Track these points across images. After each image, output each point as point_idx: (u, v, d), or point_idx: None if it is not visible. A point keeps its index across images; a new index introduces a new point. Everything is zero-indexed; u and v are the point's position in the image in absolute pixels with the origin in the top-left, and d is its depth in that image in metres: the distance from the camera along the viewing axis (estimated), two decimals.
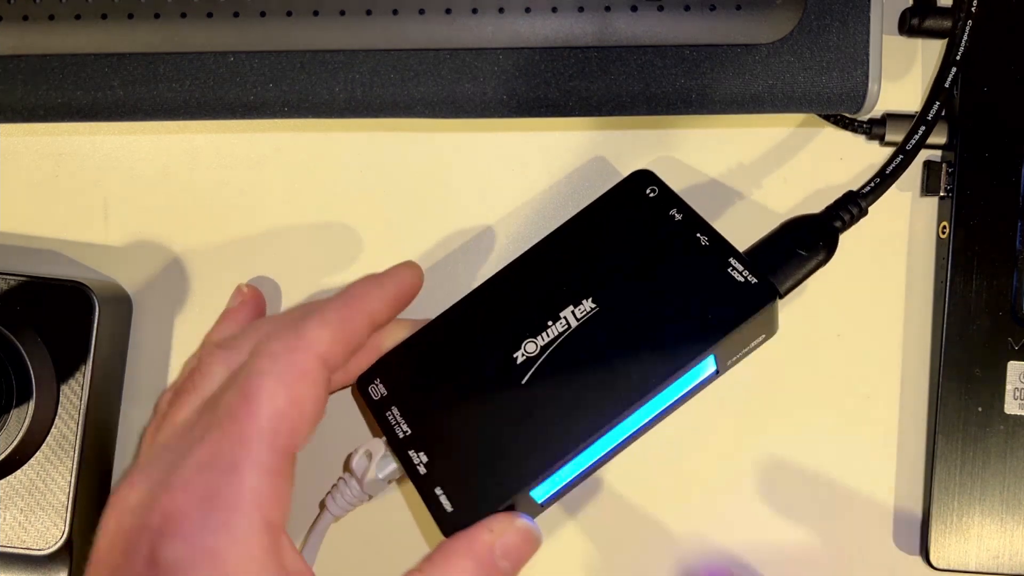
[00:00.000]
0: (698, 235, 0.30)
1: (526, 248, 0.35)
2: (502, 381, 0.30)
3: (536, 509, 0.30)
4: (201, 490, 0.25)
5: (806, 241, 0.31)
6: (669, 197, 0.32)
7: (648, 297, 0.30)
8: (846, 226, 0.32)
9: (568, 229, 0.32)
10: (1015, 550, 0.33)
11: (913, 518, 0.35)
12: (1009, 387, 0.33)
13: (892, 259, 0.35)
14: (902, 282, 0.35)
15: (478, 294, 0.32)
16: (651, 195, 0.32)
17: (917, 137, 0.32)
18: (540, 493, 0.30)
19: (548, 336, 0.30)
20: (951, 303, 0.33)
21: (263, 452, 0.26)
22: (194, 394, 0.29)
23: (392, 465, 0.31)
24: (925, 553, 0.34)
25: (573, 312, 0.30)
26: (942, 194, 0.34)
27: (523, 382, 0.30)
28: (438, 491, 0.29)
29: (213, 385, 0.29)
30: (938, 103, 0.32)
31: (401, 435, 0.30)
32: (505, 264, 0.33)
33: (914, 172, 0.35)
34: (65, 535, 0.33)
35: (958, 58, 0.32)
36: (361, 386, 0.32)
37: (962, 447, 0.33)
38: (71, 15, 0.31)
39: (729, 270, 0.30)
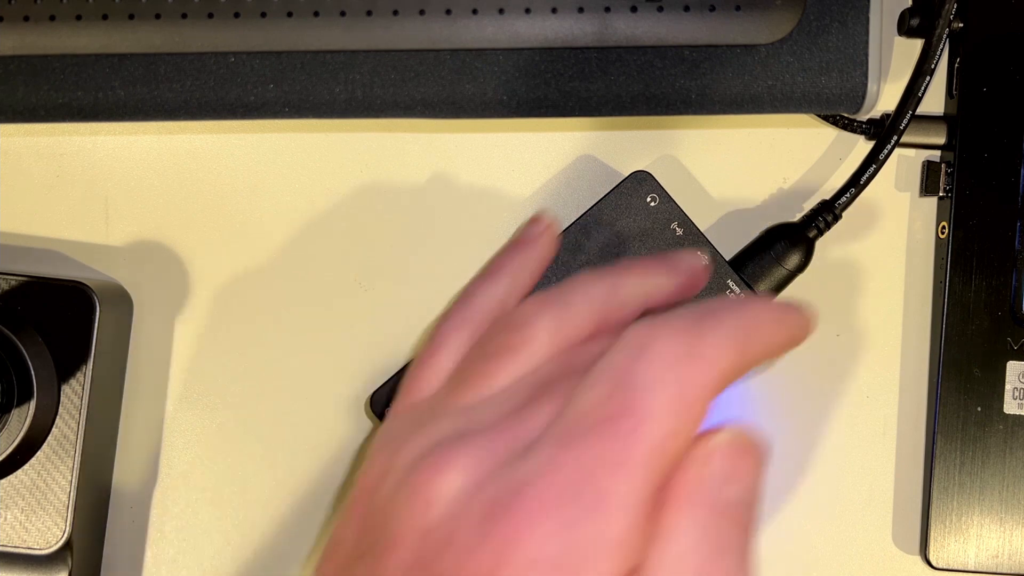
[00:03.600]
0: (699, 253, 0.32)
1: None
2: None
3: None
4: (561, 521, 0.20)
5: (784, 251, 0.33)
6: (669, 208, 0.33)
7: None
8: (821, 233, 0.34)
9: (571, 239, 0.33)
10: (1014, 549, 0.33)
11: (912, 517, 0.35)
12: (1008, 387, 0.33)
13: (891, 259, 0.35)
14: (901, 282, 0.35)
15: None
16: (652, 204, 0.33)
17: (890, 146, 0.33)
18: None
19: None
20: (950, 303, 0.33)
21: (641, 485, 0.21)
22: (514, 360, 0.25)
23: None
24: (924, 552, 0.34)
25: None
26: (941, 194, 0.34)
27: None
28: None
29: (538, 355, 0.25)
30: (910, 113, 0.33)
31: None
32: None
33: (913, 172, 0.35)
34: (66, 535, 0.33)
35: (933, 67, 0.32)
36: (376, 409, 0.33)
37: (961, 447, 0.33)
38: (72, 16, 0.31)
39: (727, 293, 0.33)
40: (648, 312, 0.27)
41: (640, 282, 0.27)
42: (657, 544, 0.21)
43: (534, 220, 0.31)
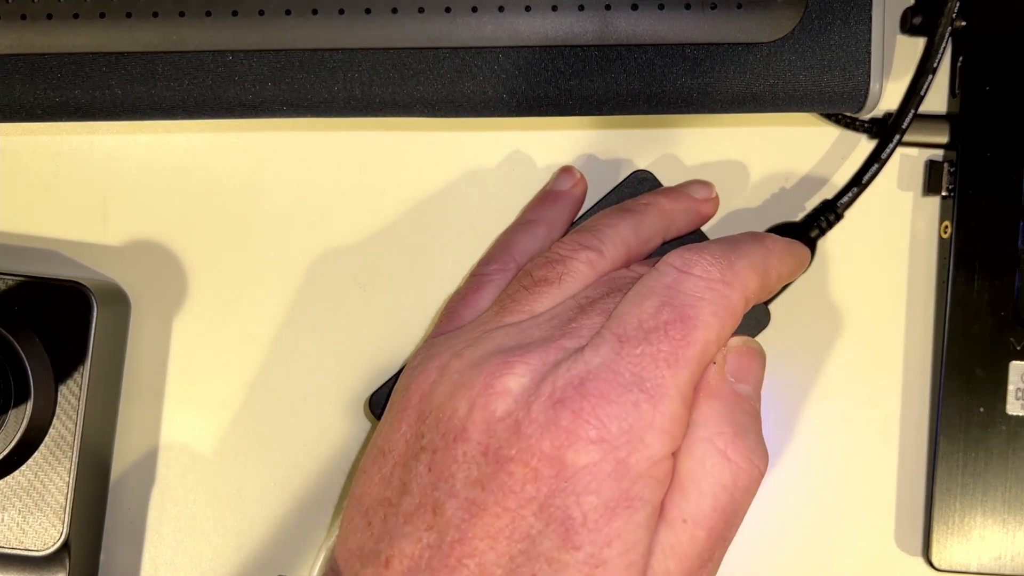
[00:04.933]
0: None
1: None
2: None
3: None
4: (621, 406, 0.24)
5: None
6: None
7: None
8: (823, 233, 0.33)
9: None
10: (1017, 551, 0.33)
11: (915, 518, 0.35)
12: (1011, 387, 0.33)
13: (893, 259, 0.35)
14: (903, 282, 0.35)
15: None
16: None
17: (892, 145, 0.33)
18: None
19: None
20: (953, 303, 0.33)
21: (687, 380, 0.25)
22: (556, 288, 0.28)
23: None
24: (927, 554, 0.33)
25: None
26: (944, 194, 0.34)
27: None
28: None
29: (577, 285, 0.28)
30: (913, 112, 0.32)
31: None
32: None
33: (916, 172, 0.35)
34: (63, 536, 0.32)
35: (936, 65, 0.32)
36: (376, 409, 0.32)
37: (964, 447, 0.33)
38: (69, 14, 0.31)
39: None
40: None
41: (659, 220, 0.31)
42: (690, 430, 0.25)
43: (564, 171, 0.34)
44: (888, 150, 0.33)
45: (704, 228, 0.33)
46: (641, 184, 0.33)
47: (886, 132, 0.33)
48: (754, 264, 0.27)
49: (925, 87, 0.32)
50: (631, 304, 0.26)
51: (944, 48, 0.32)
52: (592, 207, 0.33)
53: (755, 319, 0.32)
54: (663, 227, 0.31)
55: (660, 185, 0.33)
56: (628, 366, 0.24)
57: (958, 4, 0.32)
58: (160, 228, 0.36)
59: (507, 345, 0.26)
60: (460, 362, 0.26)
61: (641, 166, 0.34)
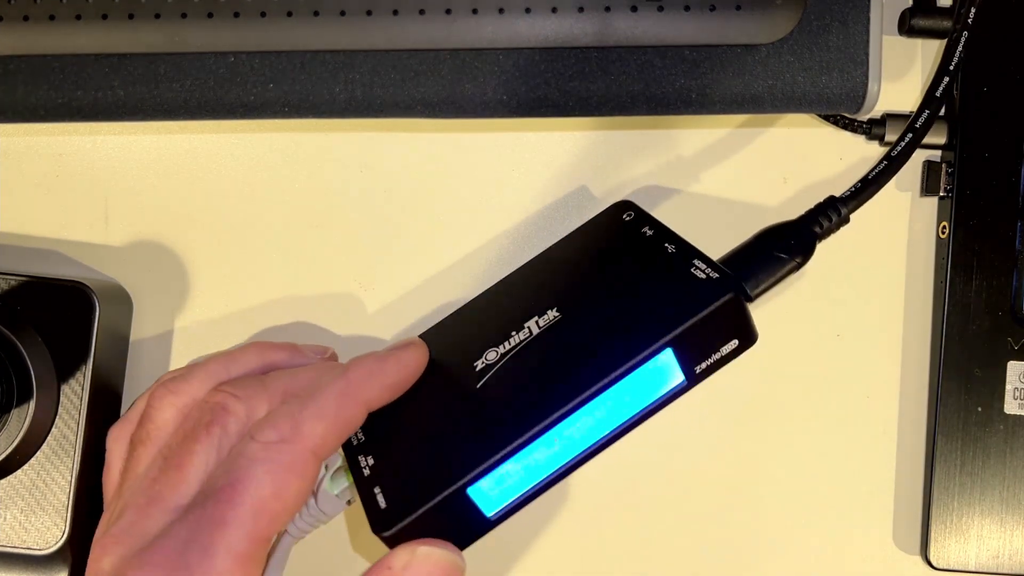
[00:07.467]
0: (666, 244, 0.30)
1: (527, 249, 0.35)
2: (456, 387, 0.29)
3: (487, 524, 0.28)
4: (172, 568, 0.26)
5: (780, 244, 0.30)
6: (643, 217, 0.32)
7: (609, 301, 0.29)
8: (824, 231, 0.31)
9: (546, 255, 0.33)
10: (1015, 549, 0.33)
11: (913, 518, 0.35)
12: (1009, 387, 0.33)
13: (892, 259, 0.35)
14: (902, 282, 0.35)
15: (454, 316, 0.33)
16: (627, 219, 0.32)
17: (904, 144, 0.32)
18: (488, 504, 0.27)
19: (509, 344, 0.30)
20: (951, 303, 0.33)
21: (240, 538, 0.26)
22: (149, 445, 0.29)
23: (346, 482, 0.30)
24: (925, 553, 0.34)
25: (536, 322, 0.30)
26: (942, 194, 0.34)
27: (477, 387, 0.29)
28: (376, 490, 0.28)
29: (165, 433, 0.29)
30: (928, 112, 0.32)
31: (355, 443, 0.30)
32: (498, 274, 0.34)
33: (914, 172, 0.35)
34: (65, 535, 0.33)
35: (952, 67, 0.32)
36: None
37: (962, 447, 0.33)
38: (72, 15, 0.31)
39: (692, 269, 0.28)
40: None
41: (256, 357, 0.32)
42: None
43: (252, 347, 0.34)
44: (900, 150, 0.31)
45: (706, 229, 0.33)
46: (621, 211, 0.32)
47: (900, 136, 0.32)
48: (323, 413, 0.28)
49: (940, 89, 0.32)
50: (204, 473, 0.28)
51: (962, 49, 0.32)
52: (568, 235, 0.33)
53: (738, 330, 0.28)
54: (338, 410, 0.29)
55: (639, 209, 0.32)
56: (183, 531, 0.26)
57: (973, 8, 0.32)
58: (162, 228, 0.36)
59: (113, 528, 0.27)
60: (103, 557, 0.27)
61: (640, 167, 0.34)
